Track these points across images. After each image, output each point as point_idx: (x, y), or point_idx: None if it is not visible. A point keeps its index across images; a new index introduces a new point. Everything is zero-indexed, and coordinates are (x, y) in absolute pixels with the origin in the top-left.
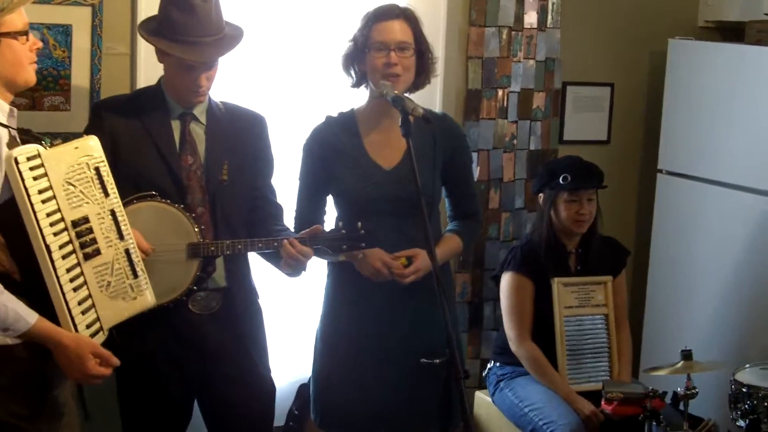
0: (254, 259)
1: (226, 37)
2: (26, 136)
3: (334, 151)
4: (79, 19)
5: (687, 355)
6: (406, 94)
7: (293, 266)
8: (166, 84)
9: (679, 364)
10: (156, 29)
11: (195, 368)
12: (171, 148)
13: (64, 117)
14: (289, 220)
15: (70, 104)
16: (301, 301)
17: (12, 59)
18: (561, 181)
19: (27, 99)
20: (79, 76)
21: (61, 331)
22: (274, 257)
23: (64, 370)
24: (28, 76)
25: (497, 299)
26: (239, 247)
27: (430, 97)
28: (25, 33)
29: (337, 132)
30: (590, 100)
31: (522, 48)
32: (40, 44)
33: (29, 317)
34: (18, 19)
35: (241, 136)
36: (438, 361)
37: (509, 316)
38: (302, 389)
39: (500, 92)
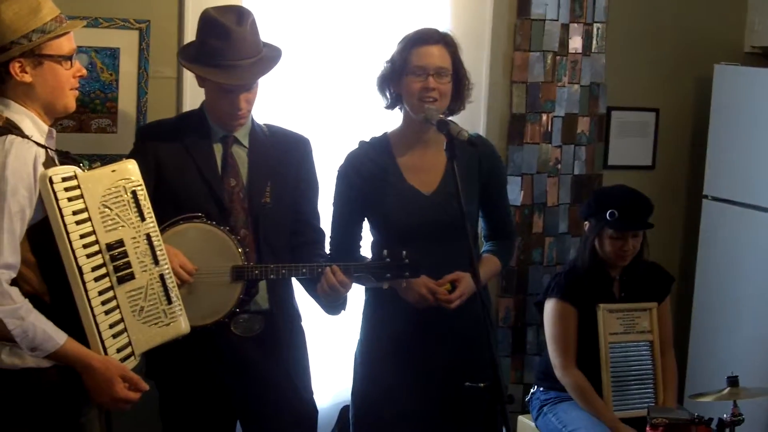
0: (297, 282)
1: (264, 59)
2: (64, 158)
3: (369, 176)
4: (127, 43)
5: (733, 381)
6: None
7: (329, 295)
8: (207, 108)
9: (725, 391)
10: (194, 55)
11: (237, 390)
12: (213, 171)
13: (110, 139)
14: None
15: (116, 126)
16: (344, 322)
17: (53, 83)
18: (608, 217)
19: (74, 121)
20: (126, 98)
21: (91, 353)
22: (313, 287)
23: (90, 394)
24: (68, 102)
25: (540, 324)
26: (283, 271)
27: (474, 122)
28: (69, 58)
29: (373, 157)
30: (635, 125)
31: (567, 73)
32: (84, 72)
33: (58, 338)
34: (66, 43)
35: (284, 159)
36: (482, 385)
37: (554, 344)
38: (344, 411)
39: (544, 117)
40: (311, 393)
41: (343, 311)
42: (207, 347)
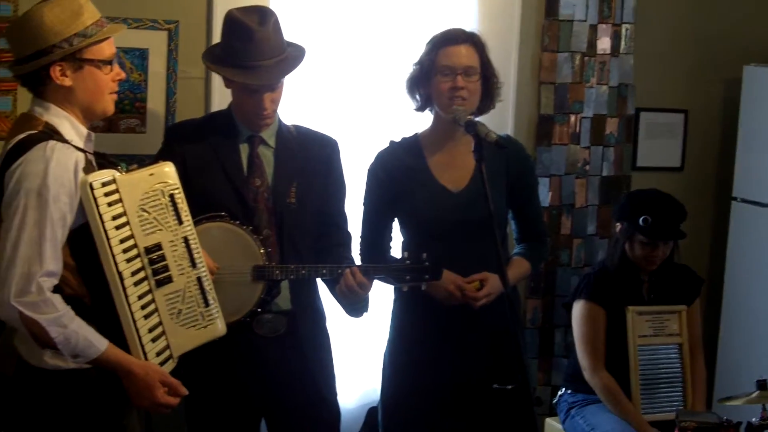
0: (322, 282)
1: (288, 59)
2: (102, 160)
3: (399, 175)
4: (156, 44)
5: (762, 384)
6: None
7: (348, 297)
8: (234, 108)
9: (755, 394)
10: (218, 57)
11: (259, 391)
12: (238, 171)
13: (139, 139)
14: (355, 245)
15: (145, 126)
16: (371, 322)
17: (93, 87)
18: (641, 223)
19: (104, 121)
20: (155, 99)
21: (131, 358)
22: (335, 288)
23: (131, 398)
24: (107, 106)
25: (568, 326)
26: (303, 272)
27: (502, 122)
28: (110, 62)
29: (402, 156)
30: (664, 127)
31: (595, 73)
32: (123, 75)
33: (99, 344)
34: (106, 48)
35: (311, 159)
36: (510, 387)
37: (583, 345)
38: (371, 412)
39: (573, 118)
40: (335, 394)
41: (365, 313)
42: (229, 347)
